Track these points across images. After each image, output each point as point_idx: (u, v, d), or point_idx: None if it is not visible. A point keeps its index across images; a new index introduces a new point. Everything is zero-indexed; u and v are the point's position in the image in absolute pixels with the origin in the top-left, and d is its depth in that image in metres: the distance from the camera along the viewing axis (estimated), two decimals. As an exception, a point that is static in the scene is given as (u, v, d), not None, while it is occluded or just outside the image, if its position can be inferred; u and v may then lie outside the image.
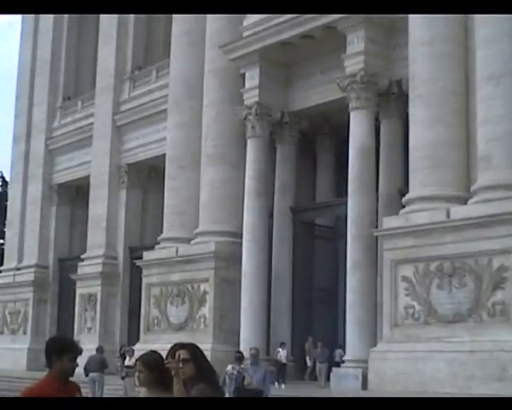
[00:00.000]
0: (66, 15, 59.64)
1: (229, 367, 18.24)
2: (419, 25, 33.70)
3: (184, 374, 6.71)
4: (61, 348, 6.89)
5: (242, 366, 19.02)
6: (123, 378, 28.92)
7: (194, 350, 7.00)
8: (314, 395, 31.33)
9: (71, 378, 6.99)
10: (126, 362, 29.92)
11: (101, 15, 55.15)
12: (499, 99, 30.86)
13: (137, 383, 22.75)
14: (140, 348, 34.30)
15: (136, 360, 7.39)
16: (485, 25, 31.63)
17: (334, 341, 39.69)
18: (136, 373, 7.34)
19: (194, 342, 7.66)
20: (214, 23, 43.55)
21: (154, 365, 7.11)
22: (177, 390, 6.84)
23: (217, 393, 7.00)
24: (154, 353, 7.34)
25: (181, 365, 6.76)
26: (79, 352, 7.38)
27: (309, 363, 38.82)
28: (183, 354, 6.82)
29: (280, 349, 37.27)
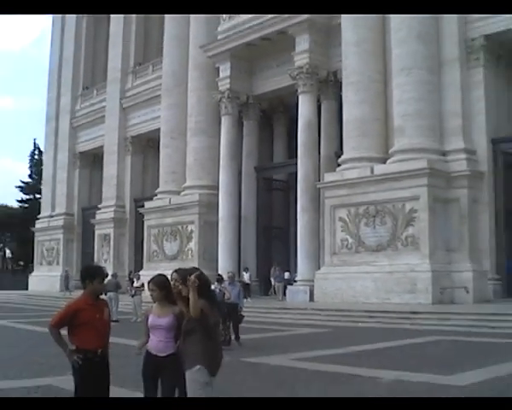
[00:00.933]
0: (84, 23, 59.15)
1: (213, 286, 18.17)
2: (349, 29, 33.61)
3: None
4: (92, 274, 7.01)
5: (222, 285, 19.02)
6: (132, 296, 29.00)
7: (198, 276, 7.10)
8: (272, 306, 31.59)
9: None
10: (134, 284, 29.95)
11: (111, 23, 54.69)
12: (410, 85, 31.06)
13: (143, 300, 22.64)
14: (144, 274, 34.25)
15: (149, 282, 7.37)
16: (398, 30, 31.74)
17: (289, 267, 39.68)
18: (149, 292, 7.34)
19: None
20: (196, 28, 43.22)
21: (162, 285, 7.17)
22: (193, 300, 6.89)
23: (214, 305, 7.04)
24: (162, 276, 7.37)
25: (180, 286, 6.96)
26: (106, 276, 7.45)
27: (273, 283, 38.86)
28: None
29: (244, 273, 37.38)
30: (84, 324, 6.73)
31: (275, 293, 37.76)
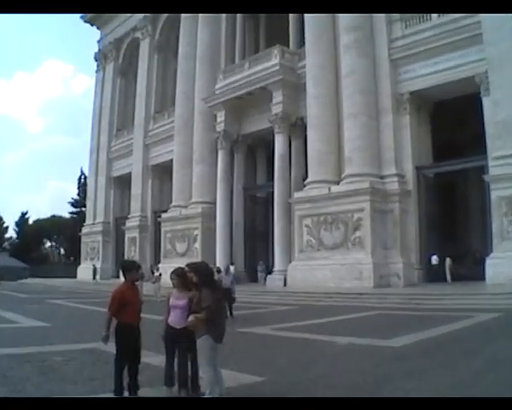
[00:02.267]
0: (118, 82, 59.29)
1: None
2: (311, 86, 33.86)
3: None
4: (130, 267, 7.19)
5: (221, 274, 19.02)
6: (153, 283, 28.76)
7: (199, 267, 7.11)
8: (256, 290, 31.42)
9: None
10: (154, 274, 29.80)
11: (137, 83, 54.81)
12: (356, 127, 31.31)
13: (161, 285, 22.10)
14: (161, 267, 34.27)
15: (171, 273, 7.45)
16: (346, 87, 32.12)
17: (268, 262, 39.38)
18: (170, 280, 7.43)
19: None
20: (199, 85, 43.37)
21: (182, 275, 7.32)
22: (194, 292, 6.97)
23: (214, 290, 6.98)
24: (181, 268, 7.44)
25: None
26: (139, 268, 7.63)
27: (259, 274, 38.36)
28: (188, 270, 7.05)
29: (230, 266, 37.04)
30: (128, 303, 6.90)
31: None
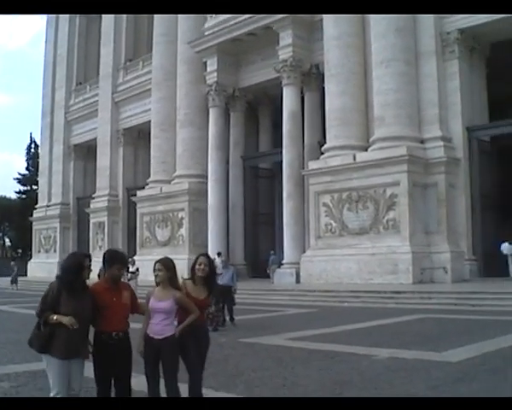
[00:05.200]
0: (77, 22, 59.36)
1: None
2: (330, 24, 33.49)
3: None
4: (111, 259, 6.86)
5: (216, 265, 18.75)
6: (128, 281, 28.43)
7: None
8: (261, 288, 31.33)
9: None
10: (130, 269, 29.53)
11: (102, 22, 54.72)
12: (388, 77, 31.19)
13: (138, 284, 21.89)
14: (138, 259, 34.15)
15: (155, 263, 7.03)
16: (377, 24, 31.70)
17: (275, 251, 39.15)
18: (154, 273, 6.97)
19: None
20: (184, 25, 43.02)
21: (170, 266, 7.04)
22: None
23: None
24: (167, 258, 7.18)
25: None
26: (126, 263, 7.22)
27: (272, 267, 37.23)
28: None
29: (216, 257, 36.03)
30: (102, 307, 6.70)
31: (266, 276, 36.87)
